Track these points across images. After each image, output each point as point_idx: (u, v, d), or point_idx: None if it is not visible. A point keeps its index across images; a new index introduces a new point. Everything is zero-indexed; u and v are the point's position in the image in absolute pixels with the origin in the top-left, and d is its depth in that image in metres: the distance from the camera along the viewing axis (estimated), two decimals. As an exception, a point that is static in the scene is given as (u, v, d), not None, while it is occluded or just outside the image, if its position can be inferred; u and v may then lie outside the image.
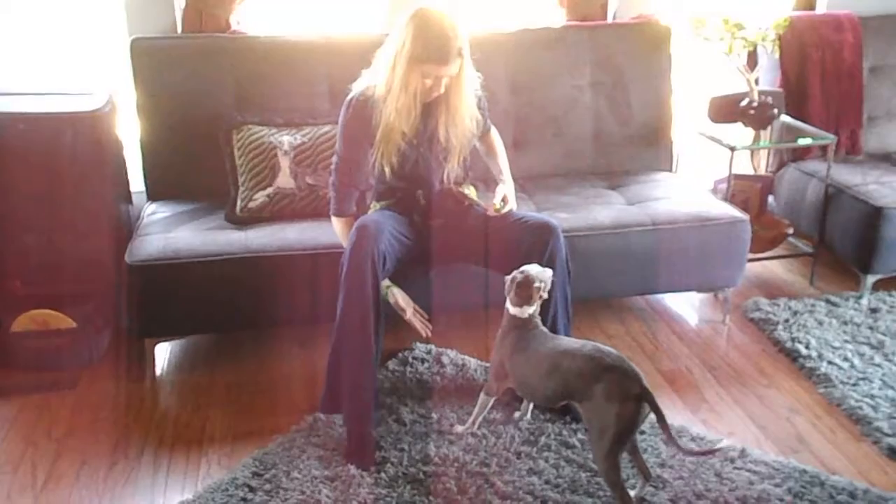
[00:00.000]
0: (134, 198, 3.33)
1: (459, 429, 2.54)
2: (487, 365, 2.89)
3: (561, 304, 2.57)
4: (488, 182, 2.89)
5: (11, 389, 2.83)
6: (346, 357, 2.45)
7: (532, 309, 2.39)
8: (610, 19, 3.75)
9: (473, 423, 2.54)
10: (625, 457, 2.24)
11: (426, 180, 2.67)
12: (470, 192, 2.80)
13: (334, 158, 2.67)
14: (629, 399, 2.11)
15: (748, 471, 2.39)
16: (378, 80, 2.49)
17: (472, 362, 2.92)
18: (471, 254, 2.66)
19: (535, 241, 2.52)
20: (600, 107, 3.55)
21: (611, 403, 2.11)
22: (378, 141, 2.53)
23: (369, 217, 2.58)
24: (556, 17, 3.66)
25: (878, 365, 2.91)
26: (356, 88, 2.57)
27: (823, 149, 3.62)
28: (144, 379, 2.92)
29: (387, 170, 2.58)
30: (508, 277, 2.39)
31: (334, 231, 2.73)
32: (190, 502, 2.29)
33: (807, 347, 3.02)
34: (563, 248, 2.55)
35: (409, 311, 2.63)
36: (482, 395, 2.51)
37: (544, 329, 2.41)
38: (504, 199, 2.63)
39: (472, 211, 2.71)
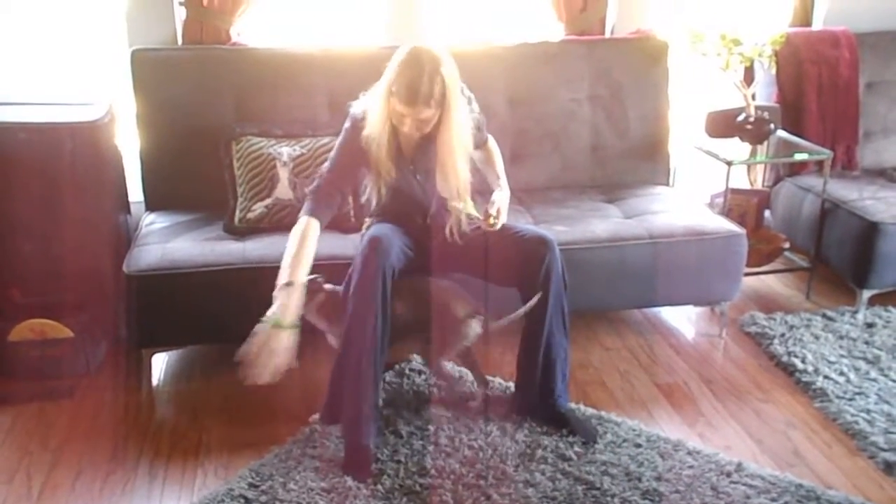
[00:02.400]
0: (132, 208, 3.34)
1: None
2: (486, 377, 2.89)
3: (557, 317, 2.57)
4: (485, 194, 2.88)
5: (8, 398, 2.82)
6: (350, 370, 2.44)
7: None
8: (608, 34, 3.77)
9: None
10: None
11: (423, 204, 2.67)
12: (466, 204, 2.80)
13: (326, 165, 2.63)
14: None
15: (744, 485, 2.39)
16: (370, 106, 2.50)
17: (469, 375, 2.92)
18: (470, 265, 2.66)
19: (532, 256, 2.53)
20: (598, 121, 3.57)
21: None
22: (371, 167, 2.54)
23: (380, 230, 2.54)
24: (555, 32, 3.68)
25: (874, 380, 2.92)
26: (357, 107, 2.57)
27: (820, 164, 3.63)
28: (141, 389, 2.92)
29: (373, 198, 2.59)
30: None
31: (293, 232, 2.46)
32: (186, 513, 2.30)
33: (803, 362, 3.02)
34: (559, 261, 2.55)
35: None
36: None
37: None
38: (497, 211, 2.62)
39: (470, 225, 2.71)
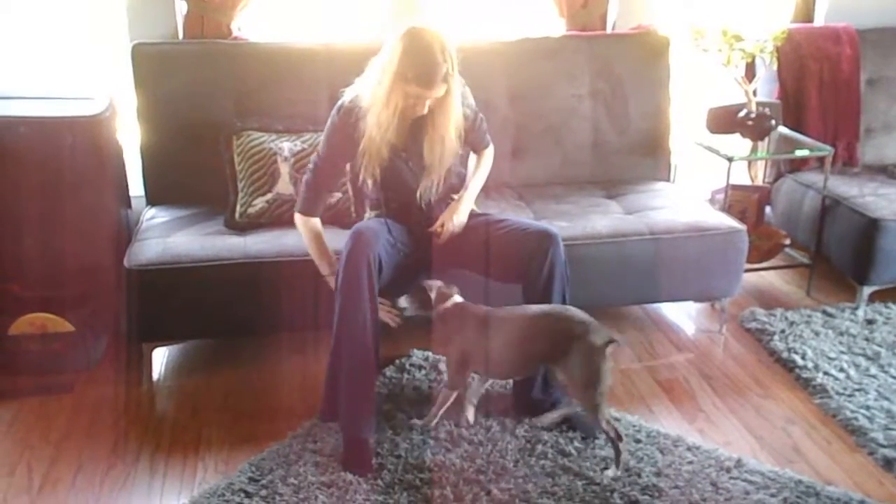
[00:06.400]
0: (133, 202, 3.34)
1: (418, 422, 2.59)
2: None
3: None
4: (487, 190, 2.89)
5: (9, 393, 2.83)
6: (344, 364, 2.45)
7: None
8: (609, 30, 3.77)
9: (434, 416, 2.59)
10: None
11: (415, 192, 2.66)
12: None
13: (314, 157, 2.65)
14: (604, 347, 2.34)
15: (744, 481, 2.39)
16: (366, 91, 2.49)
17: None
18: (470, 261, 2.66)
19: (536, 249, 2.53)
20: (599, 116, 3.56)
21: (591, 356, 2.32)
22: (361, 152, 2.52)
23: (364, 224, 2.57)
24: (556, 27, 3.68)
25: (874, 376, 2.92)
26: (347, 95, 2.56)
27: (820, 160, 3.63)
28: (142, 383, 2.92)
29: (369, 182, 2.58)
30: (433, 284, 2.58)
31: (304, 232, 2.66)
32: (186, 507, 2.30)
33: (803, 358, 3.03)
34: (562, 255, 2.55)
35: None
36: (444, 391, 2.59)
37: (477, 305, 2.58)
38: (443, 224, 2.63)
39: (471, 219, 2.71)
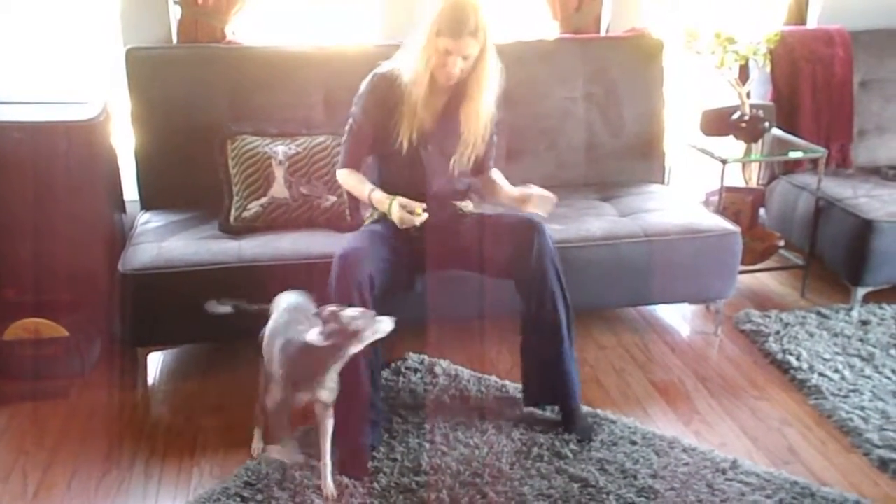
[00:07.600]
0: (128, 206, 3.33)
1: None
2: (481, 375, 2.90)
3: (559, 295, 2.55)
4: (484, 195, 2.89)
5: (3, 398, 2.82)
6: (344, 370, 2.43)
7: None
8: (603, 33, 3.78)
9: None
10: None
11: (429, 180, 2.65)
12: (466, 206, 2.80)
13: (350, 121, 2.69)
14: None
15: (739, 482, 2.40)
16: (403, 58, 2.56)
17: (465, 373, 2.93)
18: (464, 259, 2.66)
19: (522, 240, 2.53)
20: (593, 119, 3.57)
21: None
22: (401, 114, 2.55)
23: (349, 246, 2.53)
24: (550, 30, 3.69)
25: (869, 377, 2.93)
26: (385, 66, 2.62)
27: (814, 162, 3.64)
28: (137, 388, 2.91)
29: (405, 144, 2.57)
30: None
31: (341, 183, 2.78)
32: (182, 512, 2.30)
33: (798, 359, 3.03)
34: (549, 243, 2.55)
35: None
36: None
37: None
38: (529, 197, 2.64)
39: (466, 218, 2.71)
